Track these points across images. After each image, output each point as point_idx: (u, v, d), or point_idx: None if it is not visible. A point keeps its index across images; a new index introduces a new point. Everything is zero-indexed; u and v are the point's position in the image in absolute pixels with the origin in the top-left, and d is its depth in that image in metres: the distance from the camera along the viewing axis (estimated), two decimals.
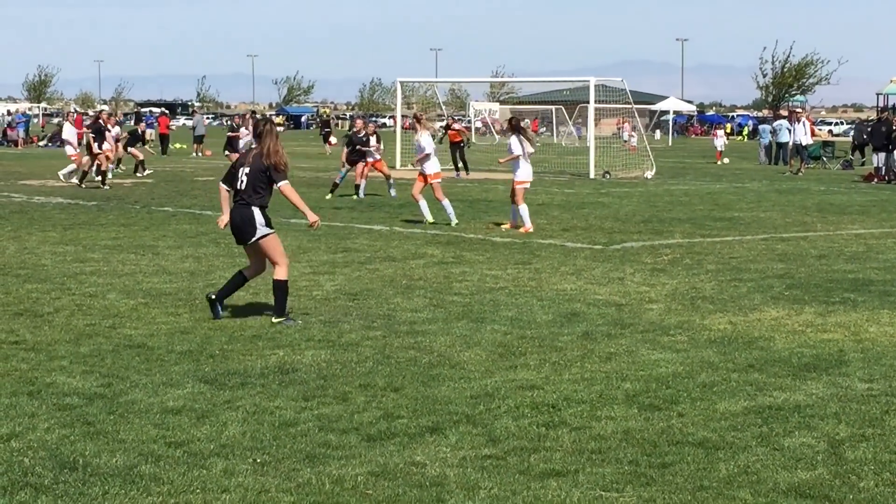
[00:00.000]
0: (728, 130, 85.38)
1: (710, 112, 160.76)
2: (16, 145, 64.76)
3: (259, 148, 11.40)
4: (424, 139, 21.79)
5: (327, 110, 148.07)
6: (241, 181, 11.36)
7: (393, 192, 28.49)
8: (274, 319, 11.29)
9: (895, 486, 6.58)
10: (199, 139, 55.24)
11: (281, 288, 11.32)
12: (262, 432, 7.54)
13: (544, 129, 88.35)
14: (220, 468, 6.79)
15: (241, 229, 11.40)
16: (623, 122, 66.98)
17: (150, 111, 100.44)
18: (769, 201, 28.02)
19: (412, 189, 22.18)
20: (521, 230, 20.09)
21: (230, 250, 16.07)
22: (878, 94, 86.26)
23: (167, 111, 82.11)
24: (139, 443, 7.29)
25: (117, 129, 34.56)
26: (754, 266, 15.72)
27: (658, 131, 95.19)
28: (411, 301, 12.66)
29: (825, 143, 52.52)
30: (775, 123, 51.16)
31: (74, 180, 31.84)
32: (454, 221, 21.10)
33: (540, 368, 9.47)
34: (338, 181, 28.84)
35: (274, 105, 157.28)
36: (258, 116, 37.49)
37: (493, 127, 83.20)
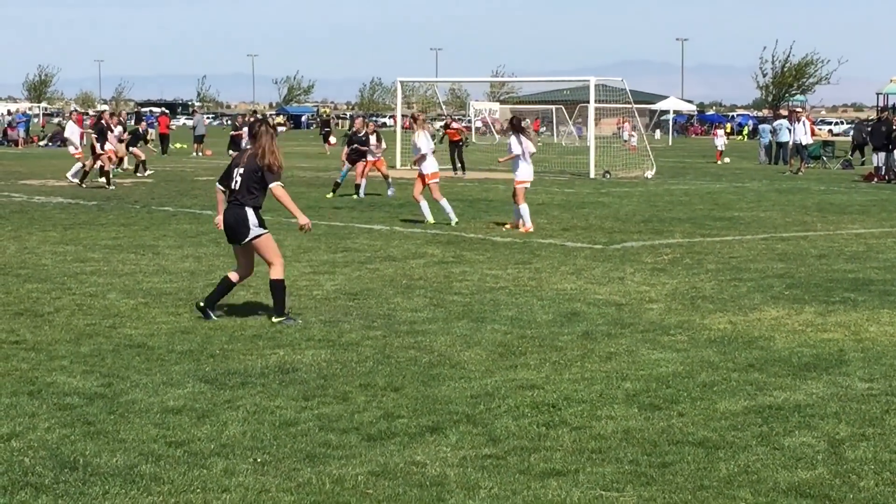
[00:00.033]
0: (728, 130, 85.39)
1: (710, 112, 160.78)
2: (16, 145, 64.79)
3: (254, 148, 11.40)
4: (421, 140, 21.81)
5: (327, 110, 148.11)
6: (236, 181, 11.37)
7: (390, 192, 28.51)
8: (274, 319, 11.29)
9: (895, 485, 6.59)
10: (199, 139, 55.25)
11: (278, 287, 11.33)
12: (263, 432, 7.54)
13: (544, 128, 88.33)
14: (221, 468, 6.79)
15: (235, 229, 11.40)
16: (623, 122, 67.00)
17: (151, 111, 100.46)
18: (769, 201, 28.02)
19: (413, 190, 22.18)
20: (522, 230, 20.09)
21: (230, 250, 16.03)
22: (877, 94, 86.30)
23: (167, 111, 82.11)
24: (139, 442, 7.29)
25: (119, 128, 34.54)
26: (754, 266, 15.72)
27: (658, 131, 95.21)
28: (411, 301, 12.66)
29: (825, 143, 52.52)
30: (775, 123, 51.16)
31: (75, 179, 31.83)
32: (454, 220, 21.11)
33: (540, 368, 9.47)
34: (339, 180, 28.87)
35: (274, 105, 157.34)
36: (259, 116, 37.51)
37: (494, 127, 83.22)
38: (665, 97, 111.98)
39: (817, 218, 23.36)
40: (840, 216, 23.88)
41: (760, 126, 61.01)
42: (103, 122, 32.80)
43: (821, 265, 15.84)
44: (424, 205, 21.52)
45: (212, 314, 11.39)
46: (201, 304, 11.45)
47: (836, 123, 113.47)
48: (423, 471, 6.77)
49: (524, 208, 20.37)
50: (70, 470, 6.72)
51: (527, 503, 6.28)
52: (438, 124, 56.70)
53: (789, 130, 45.14)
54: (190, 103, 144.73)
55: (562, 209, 25.09)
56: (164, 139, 56.79)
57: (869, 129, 46.33)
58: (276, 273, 11.35)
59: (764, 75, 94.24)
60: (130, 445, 7.22)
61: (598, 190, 32.29)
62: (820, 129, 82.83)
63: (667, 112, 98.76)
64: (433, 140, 44.37)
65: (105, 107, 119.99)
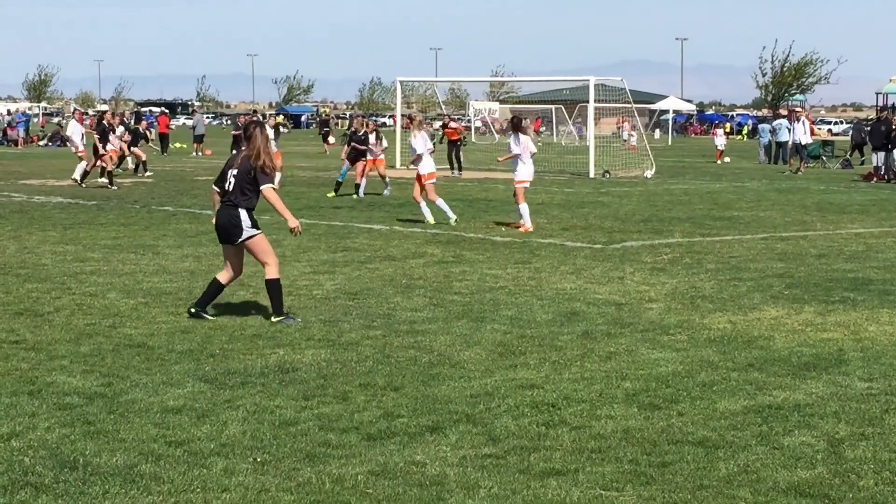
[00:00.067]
0: (727, 130, 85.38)
1: (710, 111, 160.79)
2: (16, 145, 64.79)
3: (248, 150, 11.40)
4: (417, 140, 21.89)
5: (327, 110, 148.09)
6: (229, 182, 11.37)
7: (386, 192, 28.53)
8: (273, 319, 11.30)
9: (895, 484, 6.59)
10: (199, 138, 55.25)
11: (274, 287, 11.34)
12: (263, 431, 7.54)
13: (544, 128, 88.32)
14: (221, 467, 6.79)
15: (228, 230, 11.39)
16: (623, 122, 66.98)
17: (150, 111, 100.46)
18: (769, 200, 28.03)
19: (412, 191, 22.20)
20: (521, 229, 20.10)
21: None
22: (877, 94, 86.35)
23: (167, 111, 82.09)
24: (139, 442, 7.29)
25: (121, 128, 34.53)
26: (754, 265, 15.72)
27: (657, 131, 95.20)
28: (411, 300, 12.66)
29: (824, 143, 52.53)
30: (775, 123, 51.17)
31: (75, 176, 31.80)
32: (453, 218, 21.10)
33: (540, 368, 9.48)
34: (339, 179, 28.88)
35: (274, 104, 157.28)
36: (260, 116, 37.50)
37: (493, 126, 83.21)
38: (664, 97, 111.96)
39: (817, 217, 23.36)
40: (839, 216, 23.88)
41: (760, 126, 61.00)
42: (105, 122, 32.80)
43: (820, 265, 15.85)
44: (424, 205, 21.53)
45: (206, 315, 11.39)
46: (192, 310, 11.44)
47: (836, 123, 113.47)
48: (422, 470, 6.77)
49: (524, 208, 20.38)
50: (70, 469, 6.73)
51: (526, 503, 6.28)
52: (438, 124, 56.67)
53: (789, 130, 45.15)
54: (190, 103, 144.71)
55: (561, 209, 25.10)
56: (163, 139, 56.78)
57: (868, 128, 46.36)
58: (271, 273, 11.36)
59: (763, 75, 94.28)
60: (130, 445, 7.22)
61: (598, 189, 32.29)
62: (819, 129, 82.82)
63: (666, 112, 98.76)
64: (433, 140, 44.35)
65: (105, 107, 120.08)
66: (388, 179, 29.05)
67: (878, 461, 7.00)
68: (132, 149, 37.64)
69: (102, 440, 7.32)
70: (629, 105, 45.63)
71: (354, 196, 27.95)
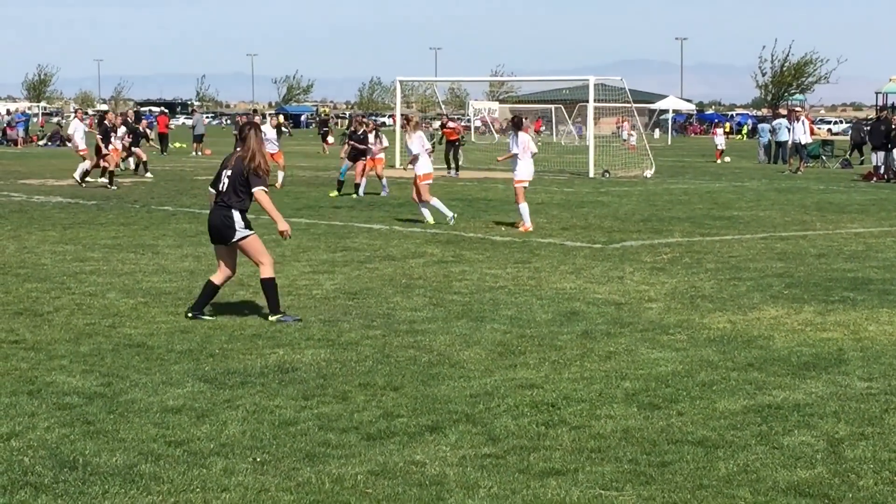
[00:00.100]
0: (727, 129, 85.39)
1: (710, 111, 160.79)
2: (15, 144, 64.78)
3: (242, 151, 11.40)
4: (414, 141, 21.94)
5: (326, 109, 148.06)
6: (223, 182, 11.37)
7: (385, 193, 28.53)
8: (271, 318, 11.30)
9: (894, 484, 6.59)
10: (198, 138, 55.26)
11: (270, 285, 11.35)
12: (262, 431, 7.54)
13: (543, 128, 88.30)
14: (220, 467, 6.79)
15: (221, 231, 11.40)
16: (622, 121, 66.98)
17: (150, 110, 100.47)
18: (768, 200, 28.03)
19: (412, 191, 22.21)
20: (521, 229, 20.10)
21: None
22: (877, 93, 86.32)
23: (166, 110, 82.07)
24: (139, 442, 7.29)
25: (123, 128, 34.52)
26: (753, 265, 15.72)
27: (657, 130, 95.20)
28: (411, 300, 12.66)
29: (824, 142, 52.53)
30: (774, 122, 51.17)
31: (77, 175, 31.78)
32: (450, 216, 21.10)
33: (539, 367, 9.47)
34: (340, 178, 28.87)
35: (273, 104, 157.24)
36: (260, 115, 37.50)
37: (493, 126, 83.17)
38: (664, 96, 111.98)
39: (816, 217, 23.36)
40: (839, 215, 23.88)
41: (759, 125, 60.99)
42: (107, 121, 32.80)
43: (820, 264, 15.85)
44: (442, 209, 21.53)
45: (204, 316, 11.39)
46: (189, 314, 11.44)
47: (836, 122, 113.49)
48: (422, 470, 6.77)
49: (524, 207, 20.38)
50: (69, 469, 6.73)
51: (526, 502, 6.28)
52: (437, 124, 56.71)
53: (788, 130, 45.14)
54: (189, 103, 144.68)
55: (561, 208, 25.09)
56: (163, 138, 56.80)
57: (868, 128, 46.35)
58: (266, 272, 11.38)
59: (763, 74, 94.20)
60: (130, 445, 7.22)
61: (598, 189, 32.29)
62: (819, 129, 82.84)
63: (666, 111, 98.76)
64: (432, 140, 44.25)
65: (104, 106, 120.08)
66: (385, 181, 29.04)
67: (878, 461, 7.00)
68: (133, 149, 37.66)
69: (102, 440, 7.32)
70: (629, 105, 45.63)
71: (354, 196, 27.95)
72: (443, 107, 63.07)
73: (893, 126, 37.58)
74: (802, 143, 43.38)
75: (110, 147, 31.60)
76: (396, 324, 11.28)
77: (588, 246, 17.99)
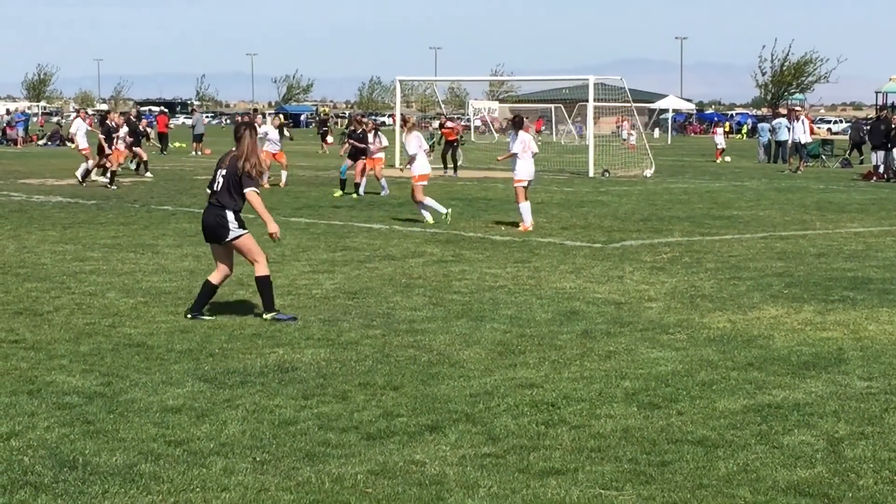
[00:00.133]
0: (727, 129, 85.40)
1: (709, 110, 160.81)
2: (15, 144, 64.79)
3: (237, 151, 11.40)
4: (411, 142, 22.00)
5: (326, 109, 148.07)
6: (217, 182, 11.38)
7: (384, 192, 28.54)
8: (266, 316, 11.32)
9: (894, 484, 6.59)
10: (198, 138, 55.27)
11: (265, 284, 11.36)
12: (262, 431, 7.54)
13: (543, 127, 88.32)
14: (220, 467, 6.79)
15: (214, 230, 11.41)
16: (622, 121, 66.96)
17: (150, 110, 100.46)
18: (768, 200, 28.03)
19: (412, 192, 22.22)
20: (521, 228, 20.10)
21: None
22: (877, 93, 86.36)
23: (166, 110, 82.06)
24: (139, 441, 7.29)
25: (125, 128, 34.57)
26: (753, 264, 15.72)
27: (657, 130, 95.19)
28: (411, 300, 12.66)
29: (824, 142, 52.55)
30: (774, 122, 51.16)
31: (78, 174, 31.77)
32: (444, 212, 21.13)
33: (539, 367, 9.47)
34: (342, 176, 28.87)
35: (273, 104, 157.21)
36: (261, 115, 37.51)
37: (493, 126, 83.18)
38: (664, 96, 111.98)
39: (816, 217, 23.36)
40: (839, 215, 23.88)
41: (759, 125, 60.97)
42: (109, 122, 32.77)
43: (820, 264, 15.85)
44: (436, 207, 21.54)
45: (203, 316, 11.39)
46: (188, 315, 11.44)
47: (835, 122, 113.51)
48: (422, 470, 6.77)
49: (524, 207, 20.37)
50: (69, 469, 6.73)
51: (526, 502, 6.28)
52: (437, 123, 56.76)
53: (788, 129, 45.15)
54: (189, 102, 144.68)
55: (561, 208, 25.09)
56: (162, 138, 56.80)
57: (867, 127, 46.34)
58: (261, 270, 11.39)
59: (763, 74, 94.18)
60: (130, 444, 7.22)
61: (597, 189, 32.29)
62: (819, 128, 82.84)
63: (666, 111, 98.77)
64: (431, 141, 44.16)
65: (104, 106, 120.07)
66: (384, 181, 29.04)
67: (878, 460, 7.00)
68: (134, 148, 37.68)
69: (102, 440, 7.32)
70: (628, 104, 45.63)
71: (354, 195, 27.95)
72: (442, 106, 63.06)
73: (893, 125, 37.57)
74: (802, 142, 43.39)
75: (114, 148, 31.62)
76: (396, 323, 11.28)
77: (588, 245, 17.99)
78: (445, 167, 39.41)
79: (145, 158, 37.21)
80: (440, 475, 6.66)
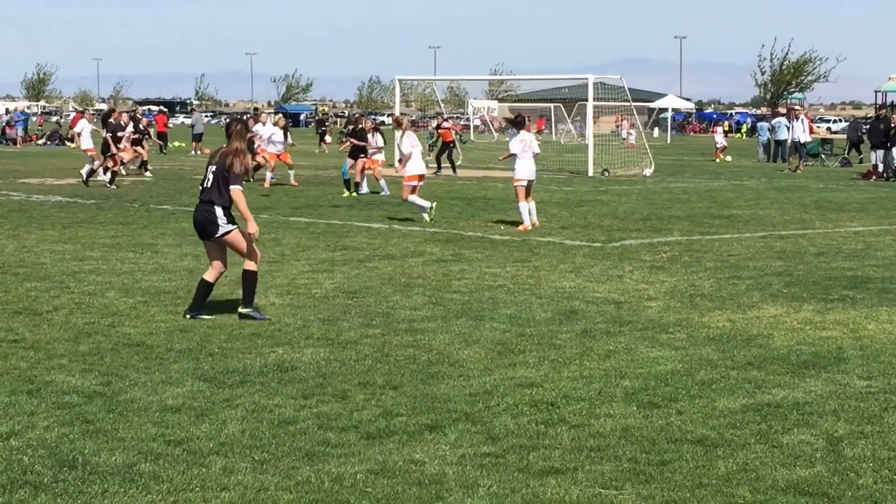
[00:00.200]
0: (726, 128, 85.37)
1: (709, 109, 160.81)
2: (14, 143, 64.78)
3: (226, 147, 11.42)
4: (405, 142, 22.03)
5: (325, 108, 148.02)
6: (207, 179, 11.41)
7: (384, 192, 28.55)
8: (241, 309, 11.34)
9: (894, 483, 6.59)
10: (197, 137, 55.27)
11: (250, 279, 11.38)
12: (262, 430, 7.54)
13: (544, 128, 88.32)
14: (220, 466, 6.79)
15: (204, 227, 11.44)
16: (622, 120, 66.94)
17: (149, 109, 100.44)
18: (767, 199, 28.03)
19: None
20: (520, 228, 20.09)
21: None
22: (876, 92, 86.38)
23: (165, 109, 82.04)
24: (138, 441, 7.29)
25: (130, 127, 34.62)
26: (753, 264, 15.73)
27: (656, 129, 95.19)
28: (410, 299, 12.66)
29: (823, 141, 52.55)
30: (774, 121, 51.14)
31: (84, 173, 31.75)
32: (428, 206, 21.23)
33: (539, 366, 9.48)
34: (345, 177, 28.90)
35: (272, 103, 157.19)
36: (263, 115, 37.54)
37: (492, 125, 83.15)
38: (663, 95, 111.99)
39: (816, 216, 23.37)
40: (838, 214, 23.89)
41: (759, 124, 60.97)
42: (112, 120, 32.74)
43: (819, 263, 15.85)
44: (421, 203, 21.56)
45: (203, 315, 11.39)
46: (187, 315, 11.44)
47: (835, 121, 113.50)
48: (421, 469, 6.77)
49: (523, 206, 20.37)
50: (69, 468, 6.72)
51: (525, 501, 6.28)
52: (435, 123, 56.78)
53: (788, 128, 45.15)
54: (189, 102, 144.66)
55: (560, 207, 25.09)
56: (161, 138, 56.78)
57: (867, 126, 46.34)
58: (250, 265, 11.43)
59: (762, 73, 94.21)
60: (129, 444, 7.22)
61: (597, 188, 32.29)
62: (818, 127, 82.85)
63: (665, 110, 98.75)
64: (431, 140, 44.05)
65: (104, 105, 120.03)
66: (383, 181, 29.04)
67: (877, 459, 7.00)
68: (135, 148, 37.68)
69: (101, 439, 7.32)
70: (628, 103, 45.62)
71: (354, 194, 27.96)
72: (442, 106, 63.03)
73: (893, 125, 37.57)
74: (802, 141, 43.38)
75: (121, 146, 31.63)
76: (396, 323, 11.28)
77: (587, 245, 17.99)
78: (439, 168, 39.31)
79: (145, 157, 37.22)
80: (440, 474, 6.66)
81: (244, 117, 32.32)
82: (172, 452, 7.05)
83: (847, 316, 11.79)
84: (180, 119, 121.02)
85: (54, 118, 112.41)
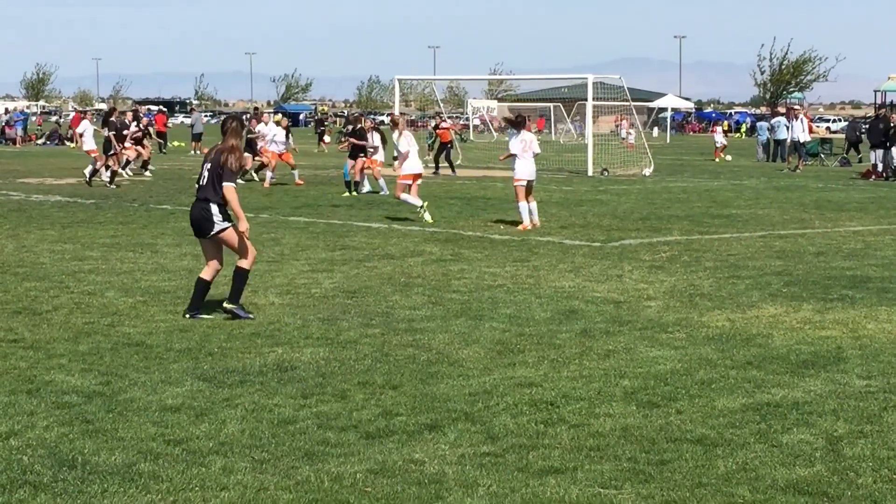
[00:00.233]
0: (725, 128, 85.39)
1: (708, 109, 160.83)
2: (14, 143, 64.78)
3: (221, 145, 11.43)
4: (401, 142, 22.07)
5: (325, 108, 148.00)
6: (203, 176, 11.42)
7: (384, 192, 28.55)
8: (226, 304, 11.36)
9: (893, 482, 6.59)
10: (197, 137, 55.28)
11: (240, 276, 11.40)
12: (261, 430, 7.54)
13: (545, 128, 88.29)
14: (219, 466, 6.79)
15: (200, 224, 11.47)
16: (621, 120, 66.93)
17: (149, 109, 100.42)
18: (767, 198, 28.03)
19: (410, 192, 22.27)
20: (520, 227, 20.09)
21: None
22: (875, 91, 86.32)
23: (164, 109, 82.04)
24: (138, 441, 7.29)
25: (134, 125, 34.59)
26: (752, 263, 15.73)
27: (656, 128, 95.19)
28: (410, 299, 12.66)
29: (823, 140, 52.54)
30: (773, 120, 51.13)
31: (87, 173, 31.75)
32: (419, 205, 21.26)
33: (538, 366, 9.48)
34: (346, 178, 28.91)
35: (272, 103, 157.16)
36: (266, 115, 37.54)
37: (492, 125, 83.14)
38: (663, 95, 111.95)
39: (815, 215, 23.37)
40: (838, 213, 23.89)
41: (758, 123, 60.97)
42: (115, 119, 32.74)
43: (819, 262, 15.85)
44: (420, 203, 21.58)
45: (201, 315, 11.40)
46: (187, 315, 11.45)
47: (834, 121, 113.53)
48: (421, 469, 6.77)
49: (523, 206, 20.37)
50: (69, 468, 6.73)
51: (525, 501, 6.28)
52: (434, 123, 56.75)
53: (787, 128, 45.16)
54: (188, 101, 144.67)
55: (560, 207, 25.09)
56: (161, 137, 56.77)
57: (866, 126, 46.34)
58: (244, 263, 11.45)
59: (762, 73, 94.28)
60: (129, 444, 7.22)
61: (596, 188, 32.29)
62: (818, 127, 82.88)
63: (665, 110, 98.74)
64: (431, 140, 43.98)
65: (103, 105, 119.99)
66: (383, 181, 29.05)
67: (877, 459, 7.01)
68: (136, 147, 37.65)
69: (101, 439, 7.32)
70: (627, 103, 45.62)
71: (354, 194, 27.97)
72: (441, 105, 63.07)
73: (892, 124, 37.57)
74: (801, 141, 43.39)
75: (126, 145, 31.64)
76: (395, 322, 11.28)
77: (587, 244, 17.99)
78: (437, 169, 39.26)
79: (146, 157, 37.22)
80: (439, 474, 6.67)
81: (243, 117, 32.32)
82: (172, 452, 7.05)
83: (846, 315, 11.79)
84: (180, 119, 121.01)
85: (54, 118, 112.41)
